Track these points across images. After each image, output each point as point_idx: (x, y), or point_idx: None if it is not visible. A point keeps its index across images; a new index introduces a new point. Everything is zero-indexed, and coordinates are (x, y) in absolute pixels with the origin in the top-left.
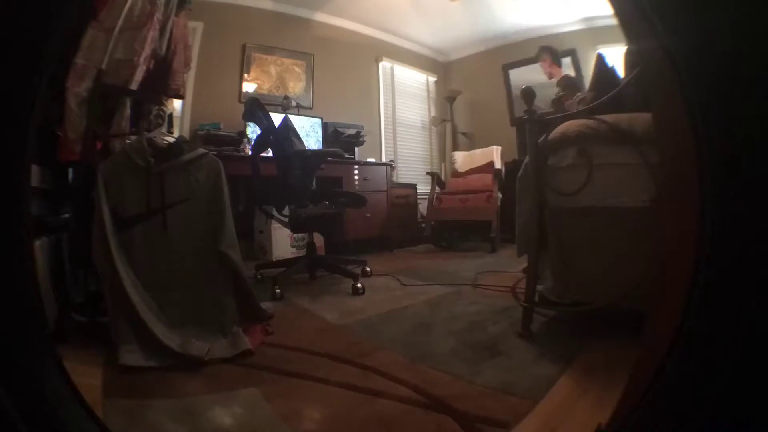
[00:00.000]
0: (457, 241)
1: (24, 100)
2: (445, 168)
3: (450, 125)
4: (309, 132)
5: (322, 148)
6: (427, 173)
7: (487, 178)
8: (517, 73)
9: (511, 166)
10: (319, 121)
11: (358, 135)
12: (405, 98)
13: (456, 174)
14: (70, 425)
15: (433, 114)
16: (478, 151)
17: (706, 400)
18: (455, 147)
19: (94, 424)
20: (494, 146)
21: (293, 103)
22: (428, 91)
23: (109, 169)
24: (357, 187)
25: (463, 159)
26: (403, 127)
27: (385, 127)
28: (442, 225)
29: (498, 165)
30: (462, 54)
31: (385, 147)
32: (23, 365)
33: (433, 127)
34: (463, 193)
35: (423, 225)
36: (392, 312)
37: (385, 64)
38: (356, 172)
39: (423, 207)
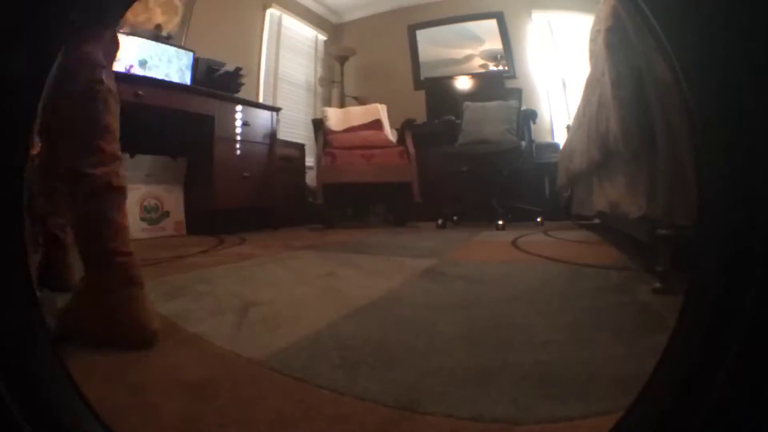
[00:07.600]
0: (365, 213)
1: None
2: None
3: (339, 87)
4: (172, 60)
5: (190, 83)
6: (313, 121)
7: (381, 135)
8: (427, 35)
9: (420, 130)
10: (190, 54)
11: (236, 74)
12: (290, 52)
13: (330, 133)
14: (74, 426)
15: (320, 74)
16: (356, 108)
17: None
18: None
19: (98, 424)
20: (377, 104)
21: (164, 33)
22: (316, 49)
23: None
24: (237, 133)
25: (337, 117)
26: (285, 83)
27: (265, 81)
28: (338, 191)
29: (386, 125)
30: (360, 14)
31: (264, 101)
32: (25, 365)
33: (319, 89)
34: (363, 148)
35: (311, 200)
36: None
37: (273, 12)
38: (239, 112)
39: (310, 178)
